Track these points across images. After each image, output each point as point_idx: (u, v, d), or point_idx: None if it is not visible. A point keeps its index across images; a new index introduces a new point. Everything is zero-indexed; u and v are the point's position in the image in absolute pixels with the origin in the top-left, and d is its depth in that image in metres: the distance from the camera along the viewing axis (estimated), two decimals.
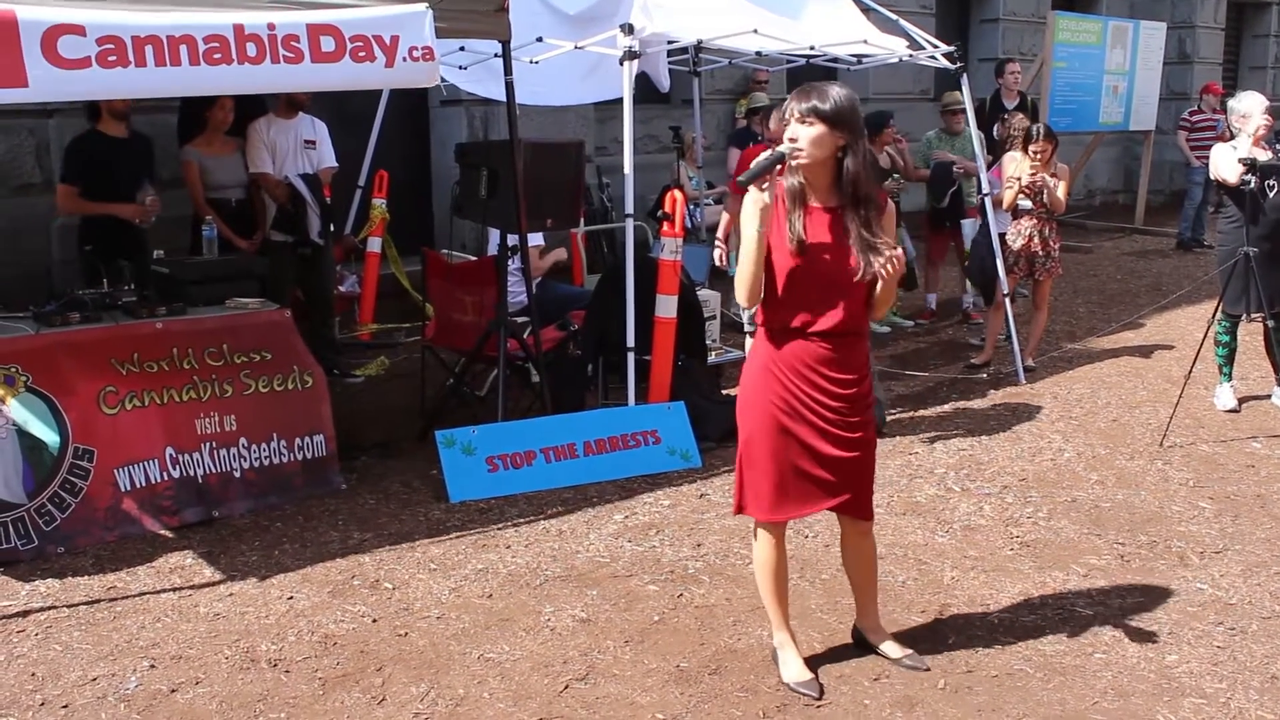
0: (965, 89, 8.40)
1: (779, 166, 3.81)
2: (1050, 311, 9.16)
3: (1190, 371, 7.24)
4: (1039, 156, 8.21)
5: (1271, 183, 7.15)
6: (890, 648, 4.39)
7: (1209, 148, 14.59)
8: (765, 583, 4.23)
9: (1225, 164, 7.10)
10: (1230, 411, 7.54)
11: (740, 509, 4.15)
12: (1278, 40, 21.62)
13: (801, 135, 3.77)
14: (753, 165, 3.78)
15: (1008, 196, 8.36)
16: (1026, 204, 8.34)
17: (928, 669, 4.29)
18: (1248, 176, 6.92)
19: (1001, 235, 8.51)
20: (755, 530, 4.20)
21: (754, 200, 3.80)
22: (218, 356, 5.86)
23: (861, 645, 4.47)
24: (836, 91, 3.77)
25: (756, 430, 4.03)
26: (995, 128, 10.15)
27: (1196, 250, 14.42)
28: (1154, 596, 4.88)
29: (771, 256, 3.88)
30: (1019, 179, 8.30)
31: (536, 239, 7.69)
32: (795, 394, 3.95)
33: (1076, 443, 6.94)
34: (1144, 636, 4.53)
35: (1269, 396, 7.77)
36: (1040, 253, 8.42)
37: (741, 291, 3.93)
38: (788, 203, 3.87)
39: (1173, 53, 17.94)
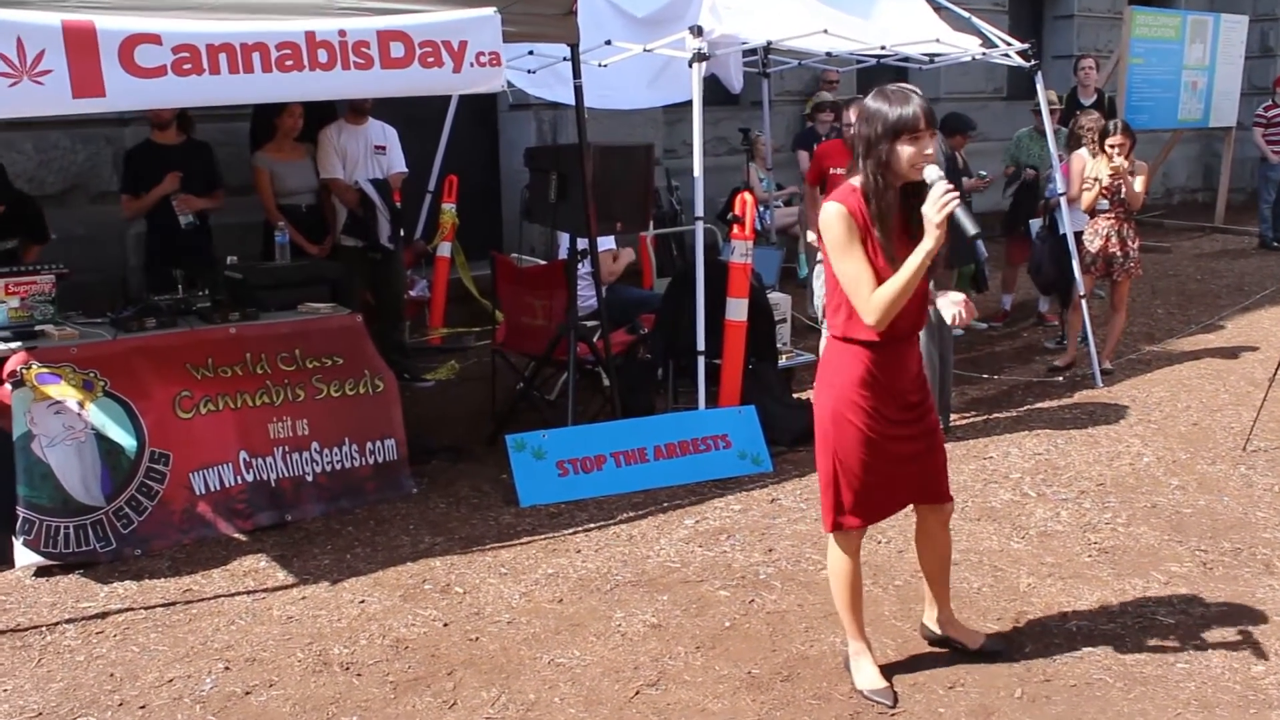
0: (1040, 87, 8.26)
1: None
2: (1129, 313, 8.97)
3: (1275, 373, 7.07)
4: (1118, 152, 8.05)
5: None
6: (967, 637, 4.40)
7: None
8: (842, 590, 4.18)
9: None
10: None
11: (835, 525, 4.06)
12: None
13: (932, 150, 3.69)
14: (968, 223, 3.63)
15: (1087, 198, 8.21)
16: (1104, 203, 8.18)
17: (1006, 650, 4.34)
18: None
19: (1077, 234, 8.37)
20: (832, 538, 4.15)
21: (928, 243, 3.66)
22: (290, 361, 5.91)
23: (935, 643, 4.44)
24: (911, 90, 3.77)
25: (851, 444, 3.95)
26: (1070, 125, 9.99)
27: None
28: (1238, 606, 4.76)
29: (875, 268, 3.81)
30: (1097, 179, 8.15)
31: (608, 243, 7.68)
32: (882, 402, 3.93)
33: (1156, 447, 6.80)
34: (1228, 647, 4.42)
35: None
36: (1119, 253, 8.25)
37: (884, 319, 3.75)
38: (878, 221, 3.76)
39: (1255, 46, 17.55)
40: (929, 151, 3.67)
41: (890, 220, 3.78)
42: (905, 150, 3.67)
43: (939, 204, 3.60)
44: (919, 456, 4.06)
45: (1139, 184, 8.15)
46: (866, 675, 4.18)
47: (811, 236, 7.83)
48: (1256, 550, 5.33)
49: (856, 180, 3.81)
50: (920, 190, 3.70)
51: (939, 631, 4.46)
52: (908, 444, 4.01)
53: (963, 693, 4.14)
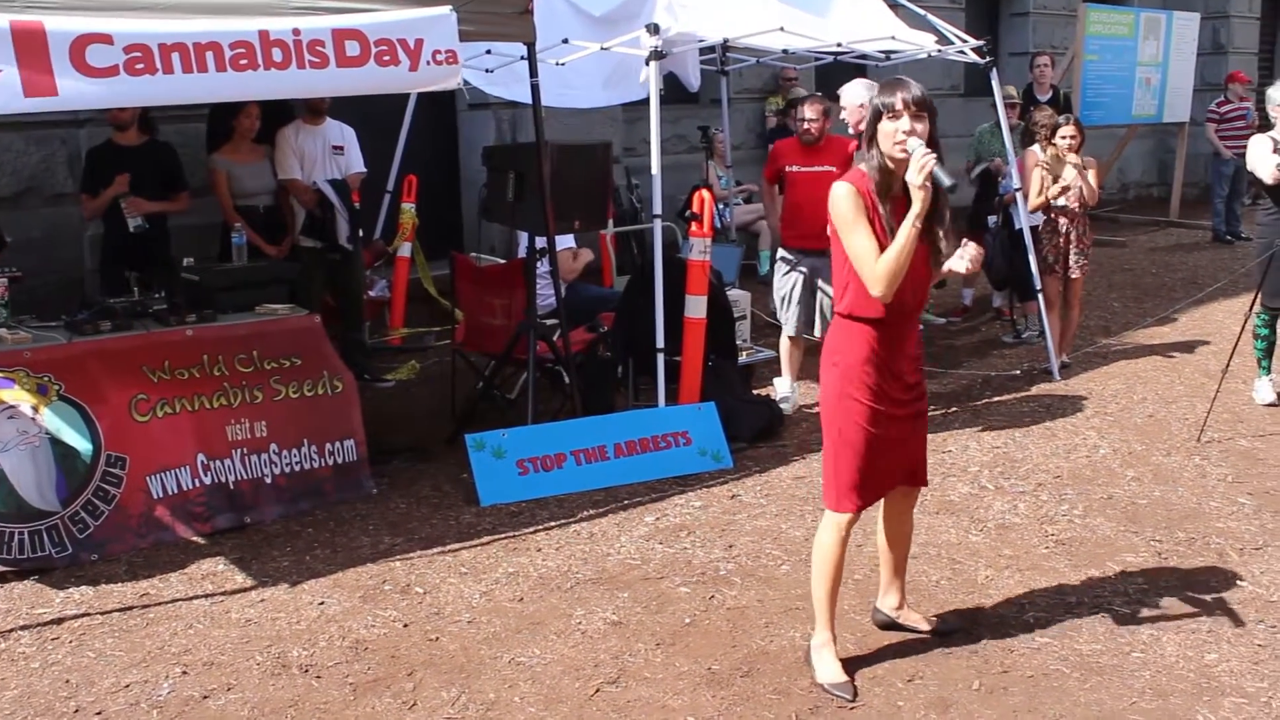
0: (995, 84, 8.32)
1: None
2: (1083, 308, 9.02)
3: (1228, 366, 7.16)
4: (1070, 143, 8.09)
5: None
6: (920, 621, 4.51)
7: (1239, 138, 14.49)
8: (826, 576, 4.21)
9: (1260, 159, 7.00)
10: (1269, 405, 7.44)
11: (838, 504, 4.14)
12: None
13: (920, 129, 3.84)
14: (945, 177, 3.80)
15: (1034, 198, 8.24)
16: (1062, 201, 8.21)
17: (961, 628, 4.50)
18: None
19: (1034, 229, 8.43)
20: (825, 520, 4.21)
21: (915, 208, 3.83)
22: (248, 363, 5.87)
23: (885, 627, 4.52)
24: (916, 84, 3.92)
25: (852, 418, 4.07)
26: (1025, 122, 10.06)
27: (1235, 243, 14.26)
28: (1193, 594, 4.82)
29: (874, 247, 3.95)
30: (1057, 178, 8.16)
31: (567, 241, 7.68)
32: (884, 377, 4.05)
33: (1112, 439, 6.87)
34: (1183, 635, 4.48)
35: None
36: (1075, 249, 8.31)
37: (889, 288, 3.90)
38: (878, 199, 3.94)
39: (1206, 43, 17.74)
40: (905, 129, 3.83)
41: (889, 197, 3.96)
42: (886, 128, 3.88)
43: (918, 166, 3.79)
44: (908, 438, 4.19)
45: (1091, 179, 8.19)
46: (828, 669, 4.20)
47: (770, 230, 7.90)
48: (1210, 540, 5.40)
49: (864, 165, 4.01)
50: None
51: (892, 617, 4.53)
52: (904, 425, 4.14)
53: (921, 685, 4.17)
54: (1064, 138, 8.11)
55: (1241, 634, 4.49)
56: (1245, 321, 7.20)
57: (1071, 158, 8.09)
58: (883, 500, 4.33)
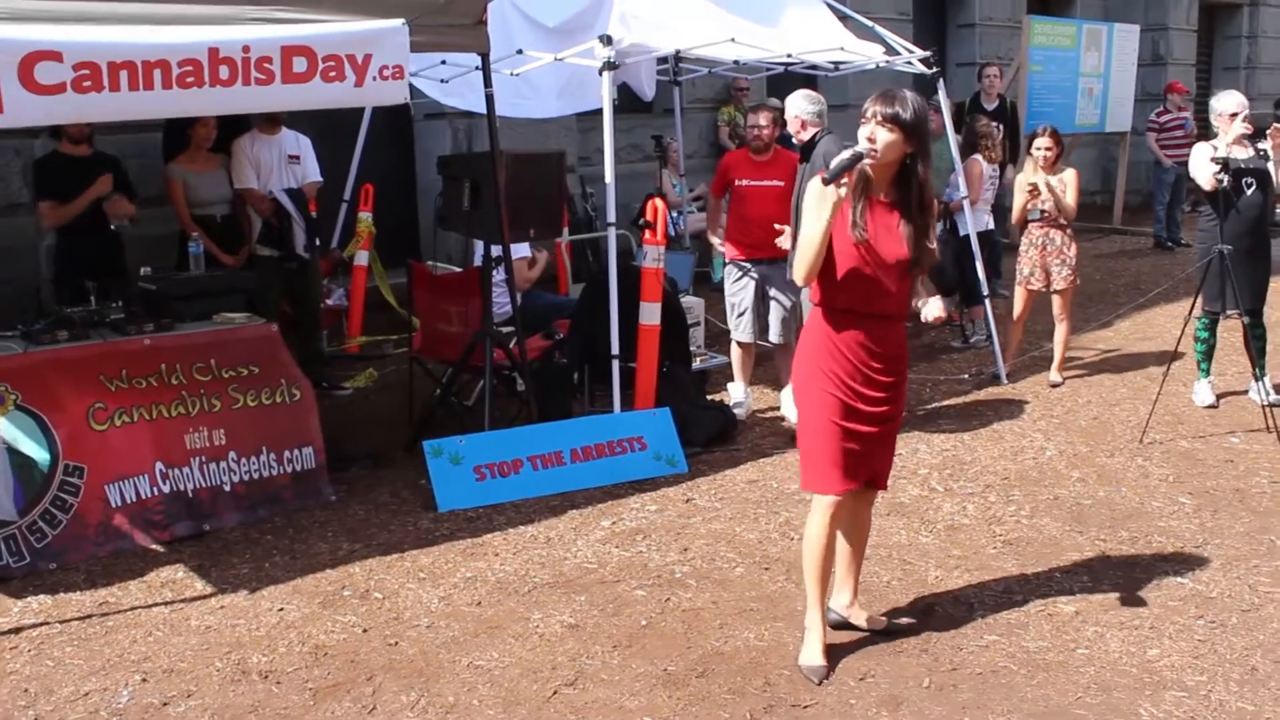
0: (942, 94, 8.46)
1: (858, 163, 4.04)
2: (1073, 322, 8.83)
3: (1168, 369, 7.32)
4: (1046, 155, 8.07)
5: (1249, 180, 7.24)
6: (871, 621, 4.63)
7: (1178, 147, 14.76)
8: (814, 559, 4.34)
9: (1200, 167, 7.17)
10: (1209, 407, 7.62)
11: (808, 485, 4.33)
12: (1249, 41, 21.78)
13: (880, 138, 4.03)
14: (834, 164, 4.01)
15: (1017, 208, 8.26)
16: (1036, 212, 8.12)
17: (911, 627, 4.60)
18: (1221, 176, 7.00)
19: (982, 234, 8.55)
20: (813, 506, 4.34)
21: (826, 194, 4.00)
22: (206, 371, 5.89)
23: (837, 627, 4.60)
24: (916, 102, 4.08)
25: (819, 404, 4.24)
26: (963, 132, 10.22)
27: (1176, 250, 14.52)
28: (1135, 592, 4.94)
29: (833, 242, 4.11)
30: (1033, 186, 8.11)
31: (524, 250, 7.73)
32: (851, 371, 4.20)
33: (1058, 441, 7.01)
34: (1126, 632, 4.59)
35: (1246, 392, 7.85)
36: (1056, 261, 8.18)
37: (800, 271, 4.17)
38: (852, 195, 4.10)
39: (1147, 55, 18.03)
40: (866, 135, 4.06)
41: (864, 197, 4.12)
42: (860, 132, 4.11)
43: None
44: (883, 438, 4.33)
45: (1071, 192, 8.08)
46: (808, 651, 4.36)
47: (717, 242, 7.92)
48: (1152, 538, 5.53)
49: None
50: (907, 178, 4.15)
51: (844, 615, 4.64)
52: (871, 422, 4.25)
53: (873, 684, 4.26)
54: (1039, 149, 8.08)
55: (1182, 630, 4.62)
56: (1184, 325, 7.37)
57: (1039, 176, 8.05)
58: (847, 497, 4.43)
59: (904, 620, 4.68)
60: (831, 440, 4.22)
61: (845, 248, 4.12)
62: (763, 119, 7.40)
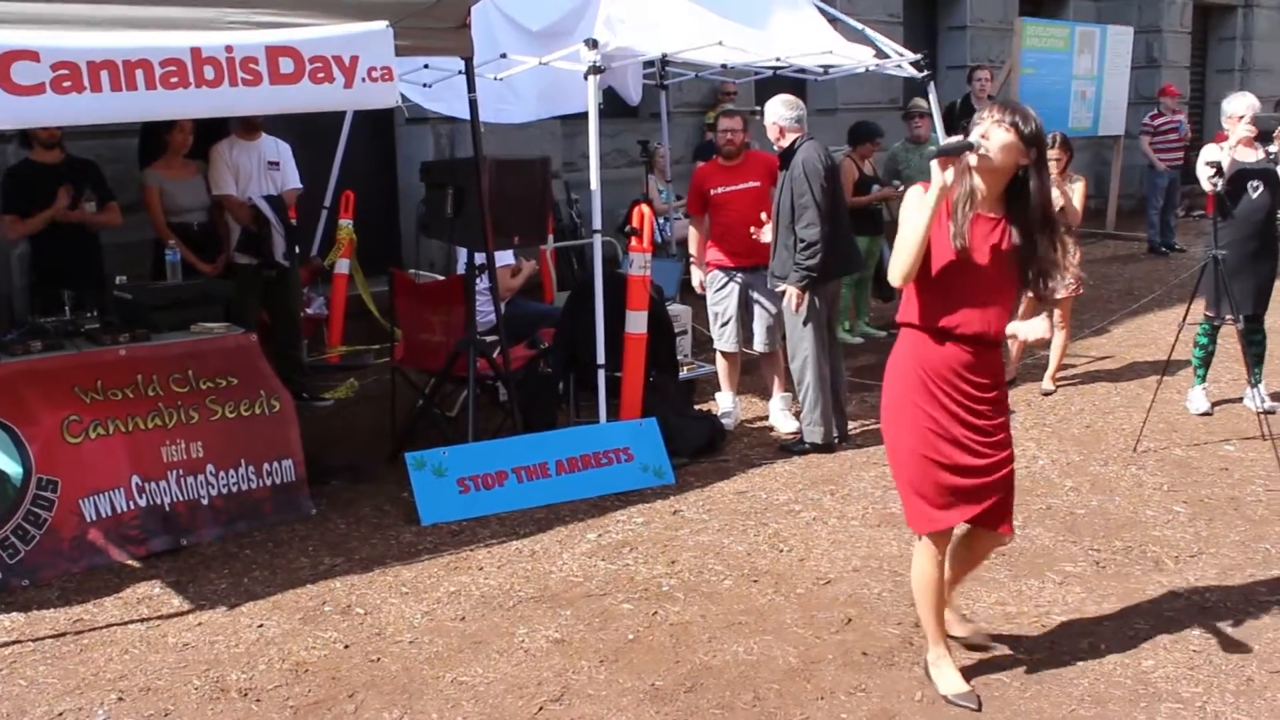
0: (932, 97, 8.40)
1: (966, 152, 3.86)
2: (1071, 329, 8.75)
3: (1162, 376, 7.26)
4: (1056, 163, 7.97)
5: (1256, 183, 7.18)
6: (965, 631, 4.49)
7: (1172, 151, 14.71)
8: (922, 596, 4.20)
9: (1200, 169, 7.10)
10: (1203, 415, 7.55)
11: (910, 523, 4.15)
12: (1244, 43, 21.78)
13: (994, 137, 3.83)
14: (945, 143, 3.89)
15: None
16: None
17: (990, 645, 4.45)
18: (1215, 179, 6.94)
19: None
20: (917, 544, 4.18)
21: (933, 180, 3.84)
22: (183, 382, 5.79)
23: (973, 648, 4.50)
24: (1036, 118, 3.86)
25: (908, 437, 4.06)
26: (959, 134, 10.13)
27: (1170, 255, 14.49)
28: (1130, 602, 4.87)
29: (930, 255, 3.93)
30: None
31: (508, 257, 7.65)
32: (944, 398, 4.00)
33: (1050, 449, 6.94)
34: (1120, 643, 4.52)
35: (1241, 399, 7.79)
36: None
37: (897, 272, 3.96)
38: (958, 204, 3.90)
39: (1140, 57, 18.03)
40: (982, 133, 3.84)
41: (967, 206, 3.90)
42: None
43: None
44: (978, 472, 4.03)
45: (1077, 199, 7.99)
46: (949, 681, 4.20)
47: (698, 277, 7.63)
48: (1147, 548, 5.46)
49: None
50: (1019, 193, 3.90)
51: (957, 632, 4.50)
52: (965, 452, 4.01)
53: (864, 698, 4.19)
54: (1050, 159, 7.92)
55: (1177, 641, 4.54)
56: (1179, 332, 7.30)
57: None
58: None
59: (984, 639, 4.50)
60: (924, 475, 4.02)
61: (943, 261, 3.91)
62: (735, 123, 7.34)
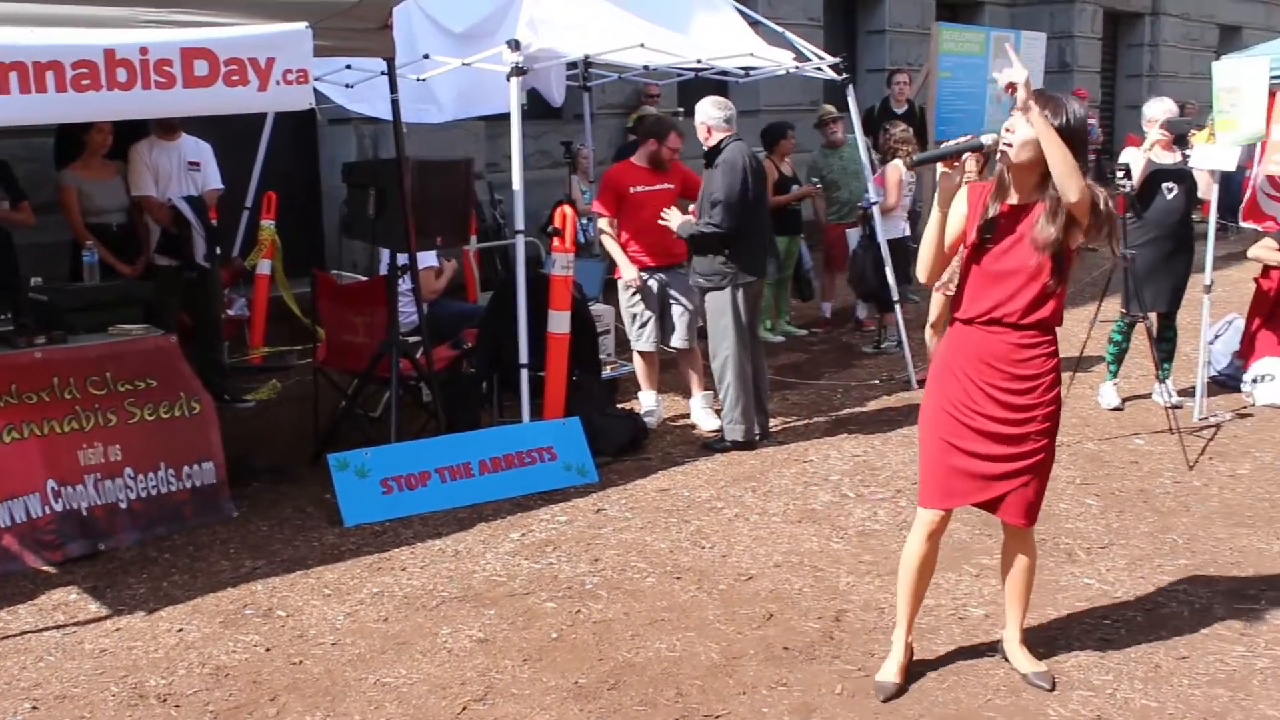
0: (851, 100, 8.51)
1: (968, 154, 3.88)
2: None
3: (1074, 372, 7.41)
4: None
5: (1171, 185, 7.37)
6: (1020, 660, 4.35)
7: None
8: (903, 573, 4.24)
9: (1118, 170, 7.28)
10: (1114, 410, 7.73)
11: (919, 499, 4.21)
12: (1151, 49, 22.30)
13: (1019, 131, 3.81)
14: (942, 146, 3.89)
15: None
16: None
17: (1051, 688, 4.20)
18: (1123, 180, 7.11)
19: (896, 241, 8.59)
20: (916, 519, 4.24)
21: (940, 180, 3.90)
22: (100, 385, 5.72)
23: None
24: (1073, 109, 3.81)
25: (929, 416, 4.14)
26: (878, 137, 10.29)
27: (1082, 253, 14.74)
28: (1043, 593, 4.97)
29: (965, 248, 3.99)
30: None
31: (431, 259, 7.63)
32: (967, 385, 4.03)
33: None
34: (1034, 633, 4.59)
35: (1150, 395, 7.98)
36: None
37: (919, 268, 4.09)
38: (990, 194, 3.93)
39: (1054, 62, 18.37)
40: (1007, 126, 3.83)
41: (996, 197, 3.93)
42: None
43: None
44: (995, 460, 4.03)
45: None
46: (883, 668, 4.28)
47: (631, 272, 7.49)
48: (1060, 540, 5.58)
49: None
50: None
51: (1003, 647, 4.44)
52: (985, 440, 4.02)
53: (785, 692, 4.24)
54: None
55: (1088, 629, 4.66)
56: (1089, 329, 7.47)
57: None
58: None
59: (1044, 681, 4.24)
60: (936, 454, 4.09)
61: (972, 252, 3.98)
62: (677, 142, 7.41)
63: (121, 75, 4.90)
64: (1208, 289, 7.50)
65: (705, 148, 6.99)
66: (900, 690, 4.20)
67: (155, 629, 4.81)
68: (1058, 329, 4.05)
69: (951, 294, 8.01)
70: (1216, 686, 4.22)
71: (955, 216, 4.00)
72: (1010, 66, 3.74)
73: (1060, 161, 3.72)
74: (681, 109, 11.10)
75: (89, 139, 7.32)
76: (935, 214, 3.98)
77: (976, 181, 4.08)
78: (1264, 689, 4.21)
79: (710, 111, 6.96)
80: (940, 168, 3.92)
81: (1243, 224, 8.86)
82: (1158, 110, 7.53)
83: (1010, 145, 3.83)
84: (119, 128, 7.38)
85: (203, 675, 4.42)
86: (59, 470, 5.54)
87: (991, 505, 4.15)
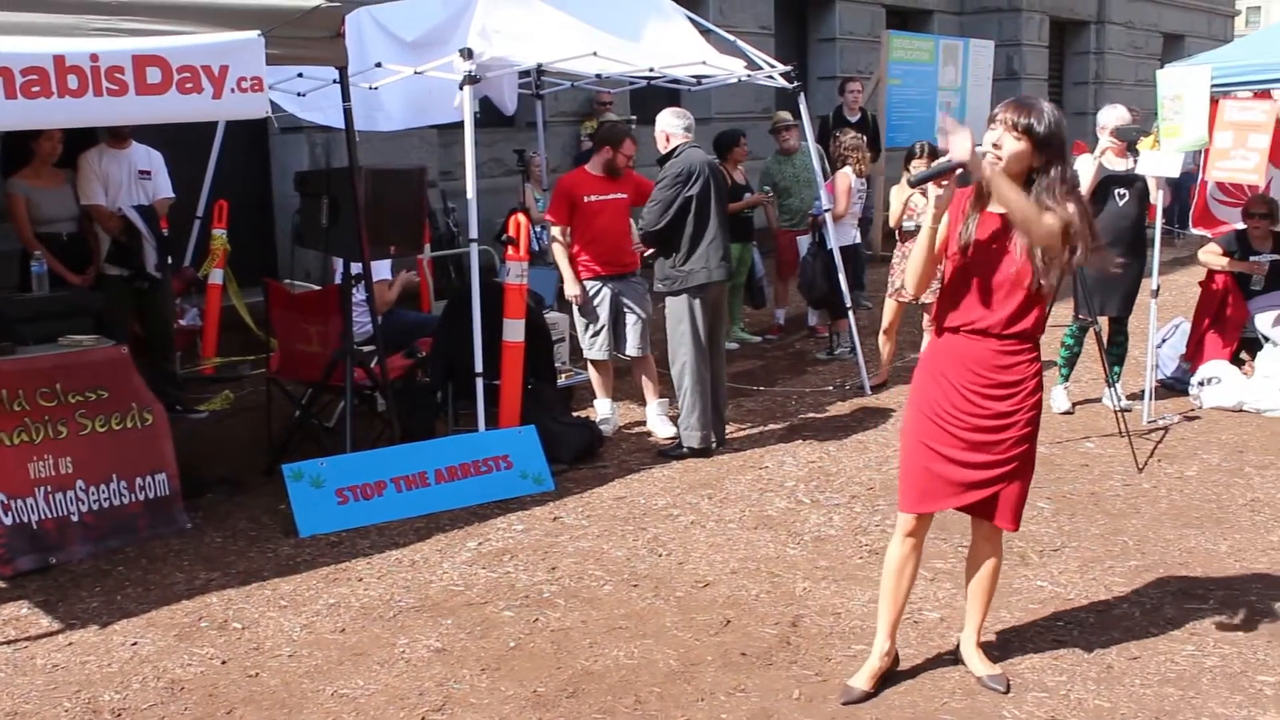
0: (803, 107, 8.56)
1: (955, 172, 3.89)
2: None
3: None
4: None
5: (1122, 191, 7.47)
6: (976, 663, 4.38)
7: None
8: (884, 577, 4.27)
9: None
10: (1065, 414, 7.82)
11: (899, 504, 4.24)
12: (1096, 58, 22.59)
13: (1006, 146, 3.89)
14: (931, 165, 3.95)
15: (894, 215, 8.38)
16: (911, 224, 8.12)
17: (1006, 691, 4.25)
18: None
19: (848, 248, 8.64)
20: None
21: (935, 198, 3.94)
22: (50, 397, 5.65)
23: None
24: (1052, 114, 3.87)
25: (910, 419, 4.18)
26: (829, 145, 10.37)
27: None
28: (997, 596, 4.95)
29: (947, 253, 4.04)
30: (905, 202, 8.26)
31: (385, 271, 7.60)
32: (947, 390, 4.07)
33: None
34: (988, 636, 4.64)
35: (1099, 399, 8.08)
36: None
37: (909, 279, 4.18)
38: (968, 204, 3.97)
39: (1001, 70, 18.58)
40: (994, 141, 3.90)
41: (976, 206, 4.00)
42: (986, 137, 3.98)
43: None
44: (974, 466, 4.09)
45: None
46: (860, 675, 4.27)
47: (574, 290, 7.45)
48: (1013, 543, 5.61)
49: None
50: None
51: (960, 649, 4.48)
52: (963, 446, 4.07)
53: (744, 697, 4.26)
54: (919, 167, 8.19)
55: (1042, 631, 4.72)
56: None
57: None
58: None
59: (999, 684, 4.28)
60: (915, 458, 4.14)
61: (955, 262, 4.05)
62: (632, 149, 7.44)
63: (73, 82, 4.86)
64: (1155, 293, 7.61)
65: (663, 152, 7.02)
66: (866, 697, 4.22)
67: (109, 643, 4.76)
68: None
69: (906, 300, 8.16)
70: (1167, 685, 4.29)
71: (940, 226, 4.05)
72: (955, 135, 3.84)
73: (1020, 218, 3.84)
74: (635, 117, 11.12)
75: (38, 147, 7.24)
76: (927, 227, 4.02)
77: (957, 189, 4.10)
78: (1213, 687, 4.28)
79: (670, 120, 7.04)
80: (930, 187, 3.97)
81: (1192, 230, 9.00)
82: (1110, 117, 7.64)
83: (1000, 159, 3.90)
84: (68, 136, 7.30)
85: (158, 689, 4.38)
86: (8, 483, 5.47)
87: (971, 509, 4.20)
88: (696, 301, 6.89)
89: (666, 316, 7.01)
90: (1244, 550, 5.53)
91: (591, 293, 7.41)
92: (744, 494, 6.40)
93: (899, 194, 8.41)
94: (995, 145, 3.90)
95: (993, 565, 4.35)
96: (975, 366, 4.05)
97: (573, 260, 7.41)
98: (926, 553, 5.44)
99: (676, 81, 8.75)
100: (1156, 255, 7.63)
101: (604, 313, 7.41)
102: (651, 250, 7.00)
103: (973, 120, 16.13)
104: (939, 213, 3.99)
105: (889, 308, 8.51)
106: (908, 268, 4.14)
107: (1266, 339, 8.16)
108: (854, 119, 12.38)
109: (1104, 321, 7.62)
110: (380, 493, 6.10)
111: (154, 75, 5.07)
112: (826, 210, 8.89)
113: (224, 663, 4.58)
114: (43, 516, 5.55)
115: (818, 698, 4.24)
